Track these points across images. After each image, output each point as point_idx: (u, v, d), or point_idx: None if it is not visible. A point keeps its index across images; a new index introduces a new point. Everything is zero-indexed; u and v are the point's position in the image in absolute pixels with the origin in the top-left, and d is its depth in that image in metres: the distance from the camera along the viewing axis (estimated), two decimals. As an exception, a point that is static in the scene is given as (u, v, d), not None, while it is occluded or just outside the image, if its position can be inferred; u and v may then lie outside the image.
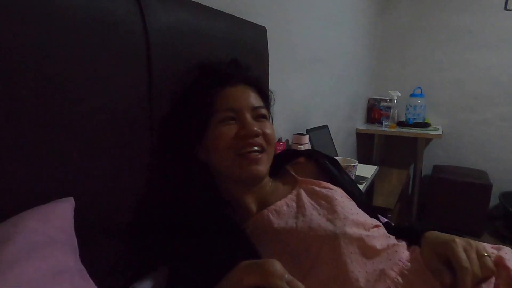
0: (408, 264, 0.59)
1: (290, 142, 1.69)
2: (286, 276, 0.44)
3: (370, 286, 0.56)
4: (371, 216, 0.72)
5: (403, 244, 0.64)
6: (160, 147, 0.75)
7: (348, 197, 0.75)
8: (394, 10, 3.20)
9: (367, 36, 2.90)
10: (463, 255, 0.52)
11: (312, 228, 0.63)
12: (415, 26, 3.14)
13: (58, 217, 0.48)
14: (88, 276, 0.45)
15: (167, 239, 0.71)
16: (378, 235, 0.64)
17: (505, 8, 2.78)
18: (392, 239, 0.66)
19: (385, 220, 0.91)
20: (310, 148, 1.69)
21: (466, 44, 2.96)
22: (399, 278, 0.57)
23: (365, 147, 3.17)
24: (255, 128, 0.67)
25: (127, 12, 0.67)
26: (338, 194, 0.72)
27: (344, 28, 2.33)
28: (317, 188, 0.73)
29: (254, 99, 0.73)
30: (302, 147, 1.60)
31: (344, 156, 2.46)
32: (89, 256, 0.52)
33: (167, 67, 0.75)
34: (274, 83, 1.25)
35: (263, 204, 0.72)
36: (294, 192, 0.74)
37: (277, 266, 0.44)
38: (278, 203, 0.70)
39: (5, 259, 0.35)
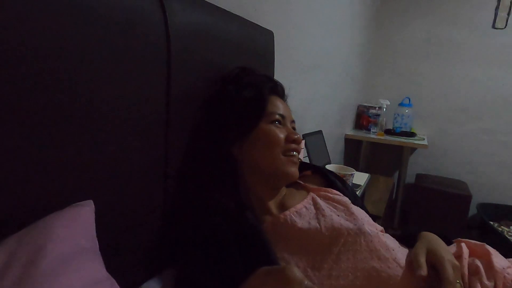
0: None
1: (285, 146, 1.69)
2: (306, 282, 0.44)
3: (387, 279, 0.60)
4: None
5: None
6: (192, 146, 0.78)
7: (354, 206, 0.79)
8: (388, 25, 3.27)
9: (361, 46, 2.94)
10: (451, 271, 0.58)
11: (335, 227, 0.68)
12: (407, 39, 3.21)
13: (82, 222, 0.46)
14: (116, 284, 0.44)
15: (182, 240, 0.71)
16: (387, 236, 0.72)
17: (493, 26, 2.88)
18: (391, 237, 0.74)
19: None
20: (306, 154, 1.70)
21: (454, 58, 3.05)
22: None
23: (353, 153, 3.22)
24: (298, 136, 0.75)
25: (150, 12, 0.66)
26: (349, 200, 0.78)
27: (342, 37, 2.36)
28: (330, 194, 0.79)
29: (290, 113, 0.83)
30: (298, 152, 1.61)
31: (333, 162, 2.49)
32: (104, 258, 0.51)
33: (186, 68, 0.74)
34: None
35: (282, 206, 0.77)
36: (309, 197, 0.78)
37: (297, 272, 0.45)
38: (298, 205, 0.75)
39: (41, 271, 0.34)
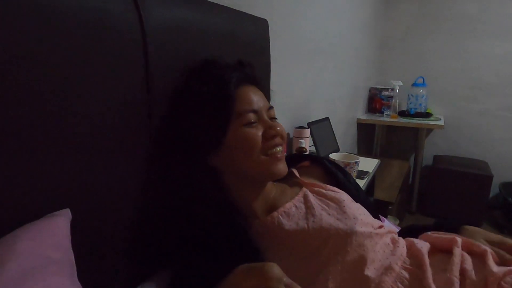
0: (408, 259, 0.64)
1: (291, 136, 1.66)
2: (285, 279, 0.44)
3: (378, 280, 0.59)
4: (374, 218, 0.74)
5: (402, 242, 0.68)
6: (163, 155, 0.71)
7: (353, 201, 0.75)
8: (397, 1, 3.13)
9: (369, 26, 2.84)
10: None
11: (324, 228, 0.65)
12: (418, 15, 3.08)
13: (53, 233, 0.46)
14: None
15: (170, 242, 0.71)
16: (384, 233, 0.68)
17: (511, -5, 2.71)
18: (393, 237, 0.70)
19: (385, 220, 0.94)
20: (311, 143, 1.67)
21: (470, 33, 2.90)
22: (404, 272, 0.61)
23: (366, 138, 3.15)
24: (278, 128, 0.68)
25: (124, 10, 0.64)
26: (345, 196, 0.73)
27: (346, 18, 2.28)
28: (323, 190, 0.74)
29: (265, 100, 0.73)
30: (303, 141, 1.57)
31: (345, 147, 2.45)
32: (88, 265, 0.51)
33: (165, 66, 0.72)
34: (275, 76, 1.22)
35: (271, 207, 0.73)
36: (301, 193, 0.74)
37: (276, 269, 0.44)
38: (287, 205, 0.71)
39: (-4, 289, 0.34)
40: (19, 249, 0.40)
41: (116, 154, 0.64)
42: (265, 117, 0.69)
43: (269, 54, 1.18)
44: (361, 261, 0.61)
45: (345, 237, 0.63)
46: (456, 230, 0.72)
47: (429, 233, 0.72)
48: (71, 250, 0.48)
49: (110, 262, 0.65)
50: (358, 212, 0.69)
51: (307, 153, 1.53)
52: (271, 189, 0.75)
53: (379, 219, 0.81)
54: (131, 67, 0.66)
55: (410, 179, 2.96)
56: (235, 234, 0.66)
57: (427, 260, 0.62)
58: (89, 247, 0.59)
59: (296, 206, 0.71)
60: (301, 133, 1.58)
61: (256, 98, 0.70)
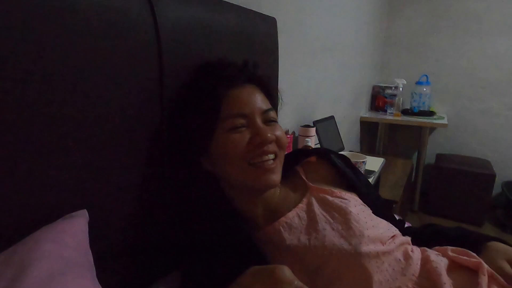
0: (420, 279, 0.59)
1: (296, 134, 1.66)
2: (296, 282, 0.43)
3: None
4: (388, 220, 0.70)
5: (416, 256, 0.62)
6: (168, 156, 0.71)
7: (364, 204, 0.71)
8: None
9: (374, 23, 2.83)
10: None
11: (326, 247, 0.60)
12: (423, 13, 3.07)
13: (74, 235, 0.46)
14: (106, 298, 0.44)
15: (177, 244, 0.70)
16: (394, 248, 0.62)
17: (516, -6, 2.70)
18: (406, 250, 0.63)
19: (406, 224, 0.88)
20: (318, 140, 1.67)
21: (474, 31, 2.89)
22: None
23: (369, 136, 3.15)
24: (269, 135, 0.62)
25: (138, 10, 0.63)
26: (352, 204, 0.67)
27: (351, 16, 2.27)
28: (330, 198, 0.68)
29: (263, 102, 0.67)
30: (309, 140, 1.57)
31: (348, 145, 2.45)
32: (102, 268, 0.51)
33: (178, 65, 0.72)
34: (281, 74, 1.22)
35: (273, 214, 0.68)
36: (305, 200, 0.69)
37: (287, 272, 0.44)
38: (289, 214, 0.66)
39: (23, 292, 0.34)
40: (42, 251, 0.40)
41: (131, 155, 0.64)
42: (257, 121, 0.63)
43: (277, 52, 1.17)
44: (366, 284, 0.57)
45: (348, 258, 0.58)
46: (478, 246, 0.66)
47: (448, 250, 0.65)
48: (90, 252, 0.48)
49: (122, 264, 0.66)
50: (366, 226, 0.62)
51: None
52: (273, 193, 0.71)
53: (393, 220, 0.77)
54: (146, 66, 0.66)
55: (413, 178, 2.96)
56: (236, 239, 0.64)
57: (443, 281, 0.57)
58: (102, 248, 0.59)
59: (299, 216, 0.66)
60: (306, 131, 1.57)
61: (249, 100, 0.65)
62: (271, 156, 0.64)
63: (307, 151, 0.81)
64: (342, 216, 0.64)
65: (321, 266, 0.59)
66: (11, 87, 0.45)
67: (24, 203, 0.48)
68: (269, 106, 0.68)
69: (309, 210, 0.67)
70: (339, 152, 0.84)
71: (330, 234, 0.61)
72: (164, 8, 0.68)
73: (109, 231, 0.61)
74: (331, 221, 0.64)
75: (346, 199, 0.68)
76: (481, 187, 2.63)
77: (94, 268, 0.47)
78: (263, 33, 1.07)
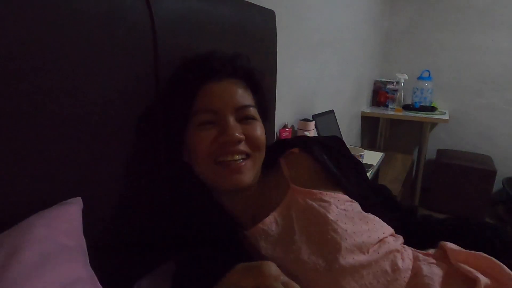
0: None
1: (295, 128, 1.66)
2: (282, 277, 0.43)
3: None
4: (386, 212, 0.67)
5: (406, 267, 0.58)
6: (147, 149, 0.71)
7: (350, 202, 0.65)
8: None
9: (376, 17, 2.81)
10: None
11: (301, 260, 0.58)
12: (425, 7, 3.04)
13: (67, 220, 0.47)
14: (97, 282, 0.44)
15: (167, 235, 0.71)
16: (379, 258, 0.58)
17: (520, -12, 2.67)
18: (395, 259, 0.58)
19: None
20: (317, 135, 1.67)
21: (477, 26, 2.87)
22: None
23: (370, 131, 3.14)
24: (237, 134, 0.59)
25: (133, 1, 0.64)
26: (333, 208, 0.62)
27: (352, 10, 2.26)
28: (309, 202, 0.63)
29: (242, 97, 0.63)
30: (307, 133, 1.57)
31: (349, 140, 2.45)
32: (93, 256, 0.52)
33: (174, 57, 0.72)
34: (280, 68, 1.22)
35: (252, 215, 0.67)
36: (284, 203, 0.65)
37: (273, 267, 0.43)
38: (267, 220, 0.64)
39: (14, 274, 0.34)
40: (35, 235, 0.41)
41: (125, 145, 0.65)
42: (228, 118, 0.60)
43: (276, 45, 1.17)
44: None
45: (322, 275, 0.56)
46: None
47: (450, 256, 0.60)
48: (83, 238, 0.49)
49: (114, 252, 0.66)
50: (346, 234, 0.58)
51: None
52: (253, 193, 0.68)
53: (394, 207, 0.73)
54: (141, 57, 0.66)
55: (414, 173, 2.96)
56: (221, 236, 0.64)
57: None
58: (95, 237, 0.60)
59: (276, 223, 0.64)
60: (306, 125, 1.58)
61: (223, 94, 0.61)
62: (239, 157, 0.60)
63: (290, 142, 0.75)
64: (320, 225, 0.60)
65: (297, 279, 0.56)
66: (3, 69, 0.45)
67: (17, 191, 0.48)
68: (250, 102, 0.64)
69: (287, 216, 0.64)
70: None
71: (306, 247, 0.59)
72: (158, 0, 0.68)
73: (102, 220, 0.62)
74: (308, 230, 0.61)
75: (326, 202, 0.63)
76: (482, 183, 2.63)
77: (87, 254, 0.48)
78: (261, 26, 1.07)
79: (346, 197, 0.66)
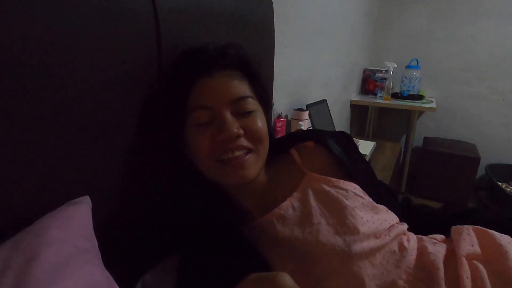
0: (416, 271, 0.57)
1: (289, 118, 1.66)
2: None
3: None
4: (389, 206, 0.68)
5: (411, 246, 0.61)
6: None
7: (363, 192, 0.67)
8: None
9: (364, 5, 2.80)
10: None
11: (320, 242, 0.58)
12: (414, -5, 3.05)
13: (79, 221, 0.46)
14: (114, 283, 0.44)
15: (172, 231, 0.71)
16: (389, 241, 0.60)
17: (507, -23, 2.70)
18: (401, 241, 0.61)
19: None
20: (310, 124, 1.68)
21: (465, 15, 2.90)
22: (407, 287, 0.56)
23: (359, 119, 3.18)
24: (235, 130, 0.57)
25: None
26: (350, 195, 0.64)
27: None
28: (326, 188, 0.65)
29: (237, 88, 0.60)
30: (302, 123, 1.58)
31: (338, 129, 2.47)
32: (104, 253, 0.51)
33: (176, 47, 0.70)
34: (275, 58, 1.21)
35: (265, 204, 0.66)
36: (300, 188, 0.66)
37: (287, 279, 0.42)
38: (283, 205, 0.64)
39: (35, 280, 0.34)
40: (50, 239, 0.40)
41: (130, 141, 0.64)
42: (224, 113, 0.58)
43: (273, 35, 1.16)
44: (359, 280, 0.56)
45: (341, 256, 0.57)
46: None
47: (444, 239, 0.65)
48: (95, 238, 0.49)
49: (120, 247, 0.66)
50: (362, 221, 0.60)
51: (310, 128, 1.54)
52: (263, 182, 0.68)
53: (395, 203, 0.76)
54: (144, 47, 0.64)
55: (401, 160, 3.02)
56: (225, 232, 0.64)
57: (441, 275, 0.55)
58: (104, 234, 0.59)
59: (293, 207, 0.64)
60: (300, 115, 1.58)
61: (215, 89, 0.59)
62: (239, 152, 0.59)
63: (304, 136, 0.76)
64: (338, 210, 0.61)
65: (314, 261, 0.58)
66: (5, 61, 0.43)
67: (24, 190, 0.47)
68: (247, 93, 0.62)
69: (304, 200, 0.64)
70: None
71: (325, 229, 0.60)
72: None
73: (105, 216, 0.61)
74: (327, 214, 0.62)
75: (343, 189, 0.65)
76: (466, 169, 2.71)
77: (100, 254, 0.48)
78: (259, 16, 1.05)
79: (359, 188, 0.67)
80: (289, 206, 0.64)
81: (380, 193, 0.71)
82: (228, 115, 0.58)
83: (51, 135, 0.50)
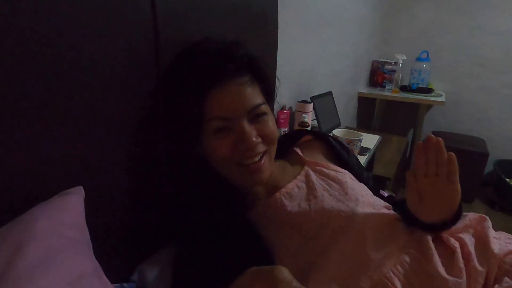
0: (410, 242, 0.61)
1: (293, 110, 1.65)
2: (294, 283, 0.43)
3: (378, 263, 0.58)
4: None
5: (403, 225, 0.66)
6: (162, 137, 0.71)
7: (356, 180, 0.75)
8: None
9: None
10: None
11: (325, 210, 0.65)
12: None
13: (69, 211, 0.46)
14: (103, 274, 0.44)
15: (172, 221, 0.72)
16: (385, 214, 0.67)
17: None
18: (397, 217, 0.66)
19: (386, 194, 0.93)
20: (314, 116, 1.66)
21: (479, 6, 2.82)
22: (405, 256, 0.59)
23: (366, 112, 3.13)
24: (254, 139, 0.61)
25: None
26: (347, 177, 0.73)
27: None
28: (326, 170, 0.74)
29: (251, 97, 0.63)
30: (305, 116, 1.56)
31: (344, 121, 2.44)
32: (94, 243, 0.51)
33: (174, 40, 0.70)
34: (280, 49, 1.19)
35: (273, 187, 0.72)
36: (303, 172, 0.74)
37: (285, 273, 0.43)
38: (289, 185, 0.71)
39: (20, 271, 0.34)
40: (38, 229, 0.40)
41: (126, 132, 0.64)
42: (242, 124, 0.61)
43: (277, 26, 1.14)
44: (363, 242, 0.60)
45: (346, 219, 0.63)
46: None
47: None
48: (87, 228, 0.49)
49: (116, 240, 0.67)
50: (361, 194, 0.69)
51: (309, 128, 1.53)
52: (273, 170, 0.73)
53: (380, 196, 0.80)
54: (142, 40, 0.64)
55: (407, 154, 2.99)
56: (228, 218, 0.67)
57: (431, 246, 0.60)
58: (97, 225, 0.60)
59: (298, 186, 0.71)
60: (304, 107, 1.56)
61: (233, 100, 0.61)
62: (257, 158, 0.64)
63: (304, 132, 0.86)
64: (338, 185, 0.69)
65: (322, 228, 0.63)
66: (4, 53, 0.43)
67: (18, 180, 0.47)
68: (258, 100, 0.64)
69: (308, 180, 0.71)
70: (337, 129, 0.93)
71: (328, 199, 0.67)
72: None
73: (104, 208, 0.61)
74: (328, 188, 0.69)
75: (340, 172, 0.74)
76: (474, 165, 2.66)
77: (91, 244, 0.48)
78: (262, 7, 1.04)
79: (353, 177, 0.75)
80: (294, 186, 0.71)
81: (371, 186, 0.78)
82: (246, 126, 0.61)
83: (50, 130, 0.50)
